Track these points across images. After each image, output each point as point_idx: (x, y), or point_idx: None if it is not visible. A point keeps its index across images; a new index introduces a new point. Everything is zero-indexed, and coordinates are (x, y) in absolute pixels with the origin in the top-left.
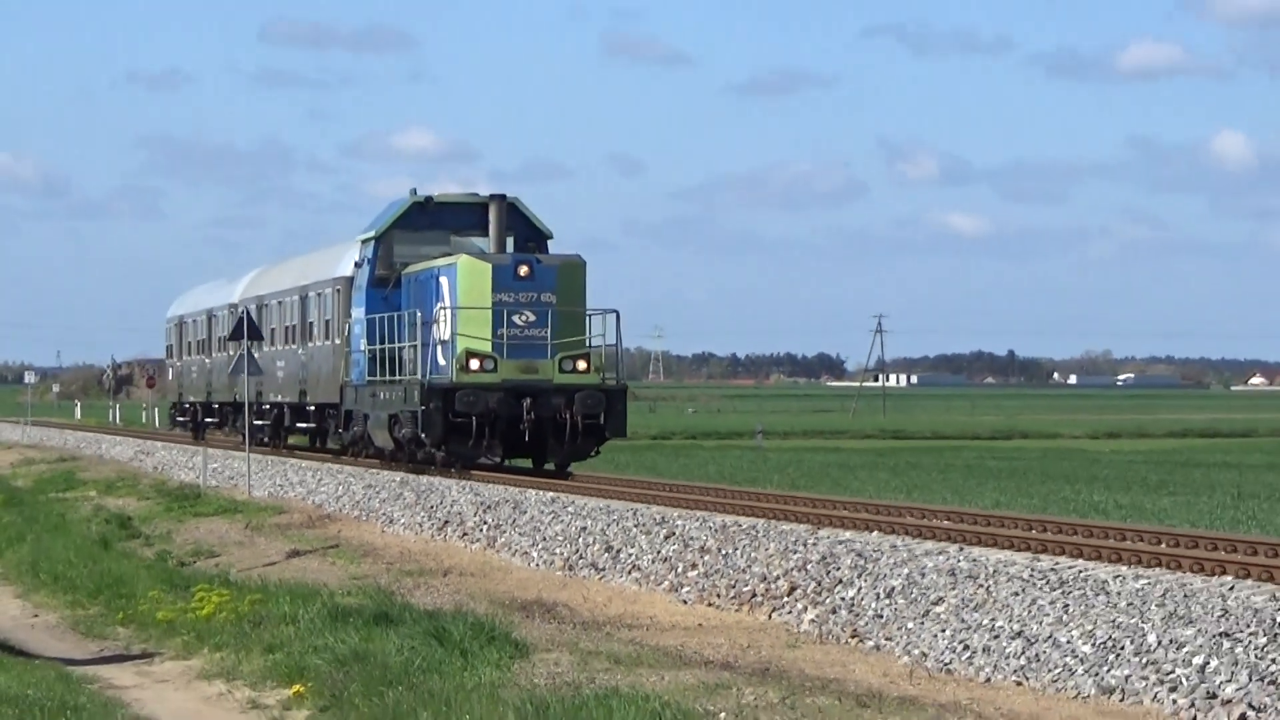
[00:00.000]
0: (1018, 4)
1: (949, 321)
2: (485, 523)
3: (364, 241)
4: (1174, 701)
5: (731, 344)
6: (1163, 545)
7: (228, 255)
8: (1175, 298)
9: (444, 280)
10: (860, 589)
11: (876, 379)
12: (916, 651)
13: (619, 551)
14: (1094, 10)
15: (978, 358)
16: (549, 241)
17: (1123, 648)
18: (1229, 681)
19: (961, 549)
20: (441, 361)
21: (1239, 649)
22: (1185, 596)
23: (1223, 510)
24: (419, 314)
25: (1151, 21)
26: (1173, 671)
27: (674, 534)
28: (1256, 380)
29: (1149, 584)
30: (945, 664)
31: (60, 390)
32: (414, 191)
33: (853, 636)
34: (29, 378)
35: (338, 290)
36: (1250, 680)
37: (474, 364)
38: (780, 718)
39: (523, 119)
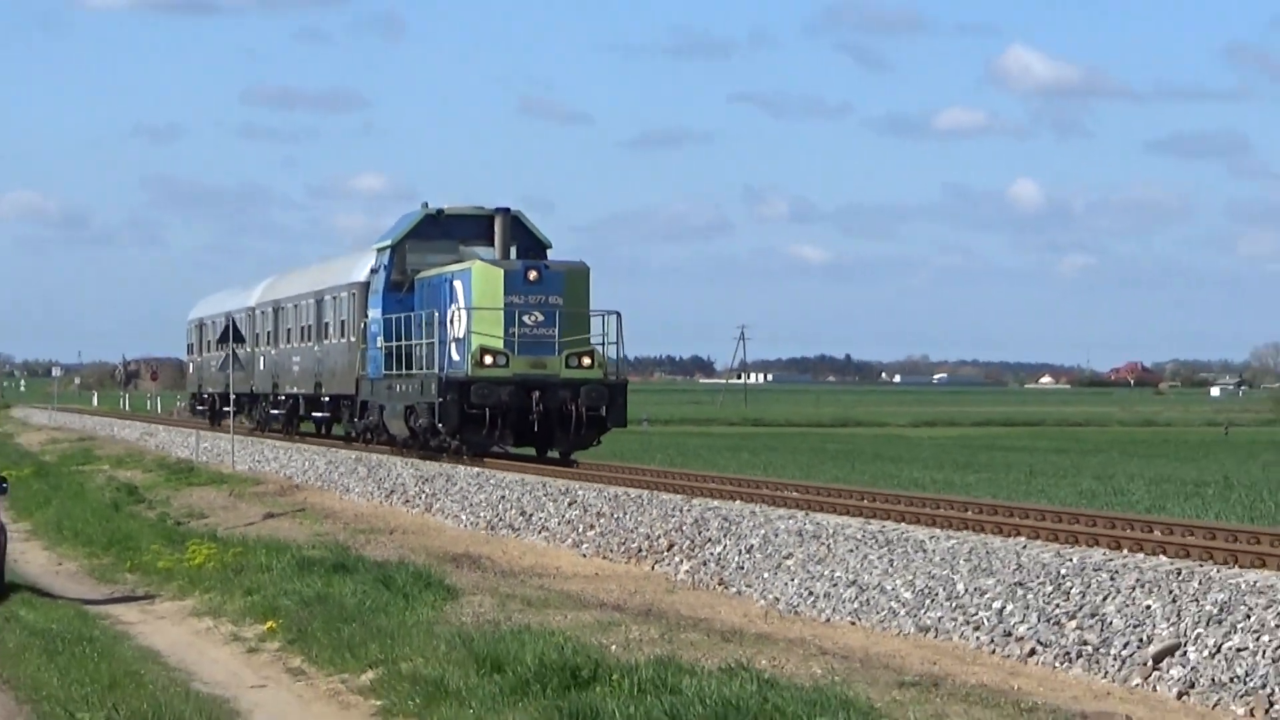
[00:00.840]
0: (856, 77)
1: (798, 331)
2: (424, 491)
3: (379, 250)
4: (977, 638)
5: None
6: (969, 512)
7: (217, 275)
8: (980, 313)
9: (458, 284)
10: (726, 546)
11: (739, 377)
12: (771, 597)
13: (531, 515)
14: (916, 81)
15: (821, 360)
16: (548, 250)
17: (937, 594)
18: (1022, 622)
19: (808, 514)
20: (456, 357)
21: (1030, 595)
22: (987, 553)
23: (1018, 485)
24: (435, 314)
25: (963, 91)
26: (977, 614)
27: (576, 501)
28: (1045, 380)
29: (958, 543)
30: (794, 607)
31: (80, 382)
32: (425, 204)
33: (719, 584)
34: (56, 372)
35: (353, 294)
36: (1039, 621)
37: (488, 359)
38: (660, 649)
39: (455, 165)
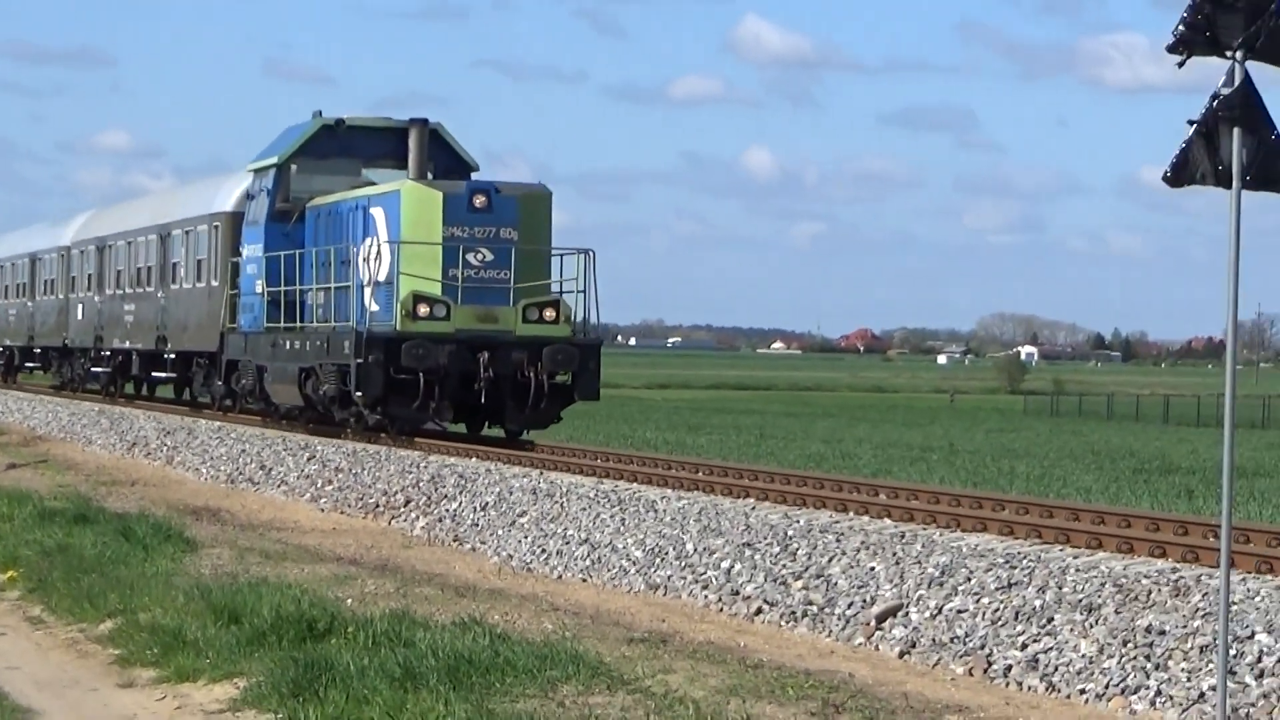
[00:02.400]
0: (593, 44)
1: None
2: (165, 444)
3: (258, 171)
4: (706, 597)
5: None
6: (700, 474)
7: None
8: (715, 278)
9: (378, 212)
10: (461, 503)
11: None
12: (505, 553)
13: (271, 469)
14: (653, 50)
15: None
16: (473, 174)
17: (667, 553)
18: (749, 581)
19: (542, 473)
20: (372, 307)
21: (757, 556)
22: (717, 514)
23: (748, 447)
24: (350, 249)
25: (699, 60)
26: (705, 573)
27: (315, 456)
28: (778, 345)
29: (689, 504)
30: (527, 564)
31: None
32: (318, 113)
33: (455, 540)
34: None
35: (216, 227)
36: (765, 580)
37: (422, 310)
38: (395, 603)
39: (202, 124)
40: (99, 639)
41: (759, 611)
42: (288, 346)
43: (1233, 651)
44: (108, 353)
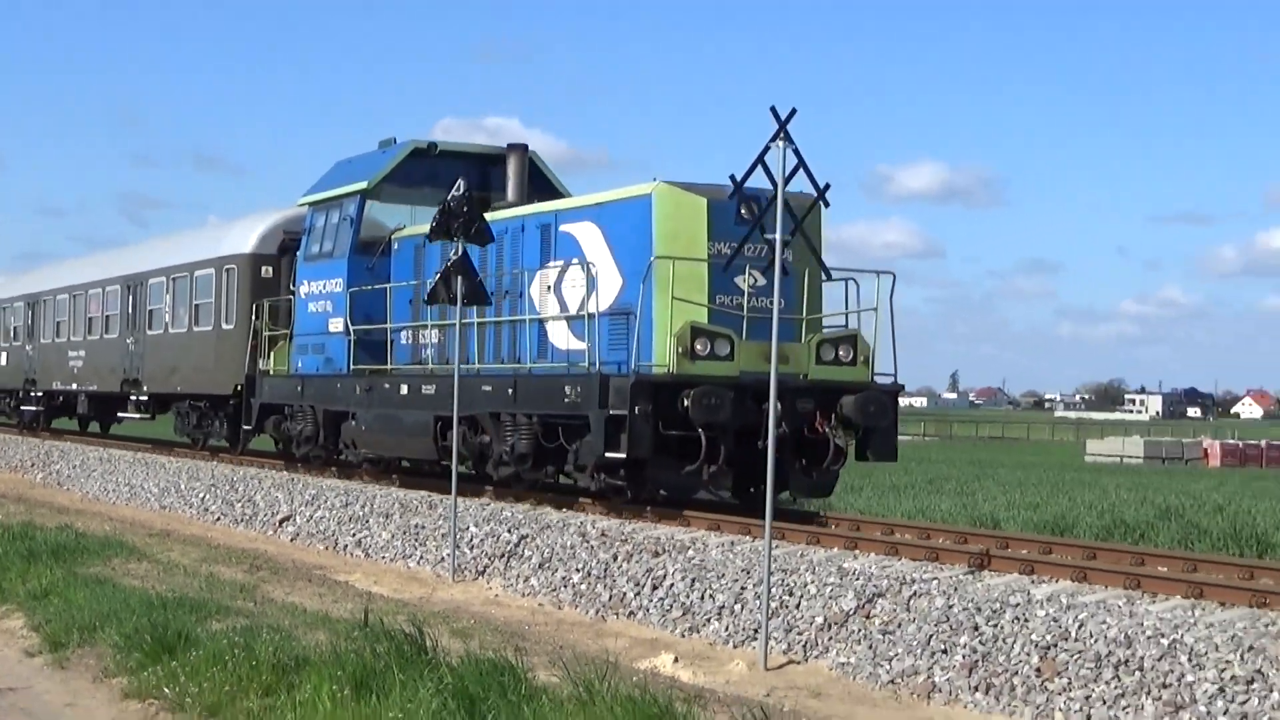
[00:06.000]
0: (131, 229)
1: None
2: None
3: (324, 202)
4: (190, 512)
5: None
6: (188, 449)
7: None
8: None
9: (584, 229)
10: (63, 465)
11: None
12: (86, 491)
13: None
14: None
15: None
16: None
17: (170, 490)
18: (214, 503)
19: (104, 448)
20: (572, 344)
21: (218, 490)
22: (198, 469)
23: None
24: (524, 275)
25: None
26: (191, 499)
27: None
28: None
29: (182, 464)
30: (98, 497)
31: None
32: (392, 140)
33: (59, 484)
34: None
35: (229, 270)
36: (222, 503)
37: (700, 346)
38: (24, 518)
39: None
40: None
41: (219, 519)
42: (403, 391)
43: (458, 535)
44: (39, 394)
